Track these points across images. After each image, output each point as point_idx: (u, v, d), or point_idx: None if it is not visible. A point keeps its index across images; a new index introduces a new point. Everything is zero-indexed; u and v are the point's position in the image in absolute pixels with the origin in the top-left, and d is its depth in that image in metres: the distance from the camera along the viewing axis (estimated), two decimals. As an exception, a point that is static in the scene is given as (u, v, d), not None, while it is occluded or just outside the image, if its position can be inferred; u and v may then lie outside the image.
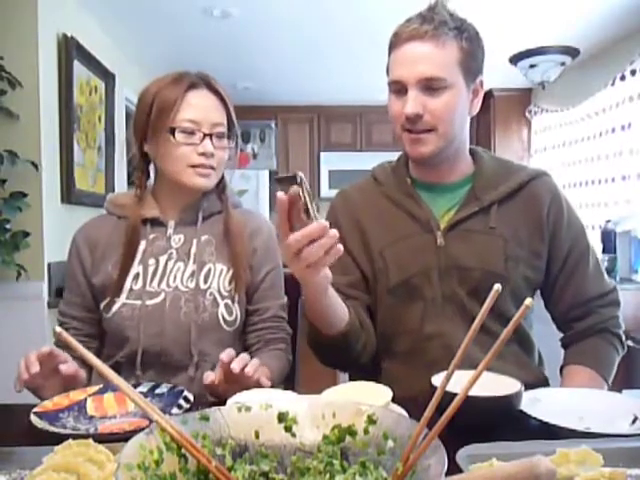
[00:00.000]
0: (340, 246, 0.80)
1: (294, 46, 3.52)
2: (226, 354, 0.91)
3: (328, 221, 1.19)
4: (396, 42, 1.04)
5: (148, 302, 1.11)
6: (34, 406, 0.87)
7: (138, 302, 1.11)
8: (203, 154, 1.10)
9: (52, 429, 0.80)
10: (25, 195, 2.23)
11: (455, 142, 1.08)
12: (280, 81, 4.29)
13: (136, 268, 1.14)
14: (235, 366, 0.89)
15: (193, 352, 1.10)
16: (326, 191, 4.98)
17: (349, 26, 3.18)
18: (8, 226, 2.16)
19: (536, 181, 1.13)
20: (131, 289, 1.13)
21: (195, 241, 1.16)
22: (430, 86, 1.01)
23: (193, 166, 1.11)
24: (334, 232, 0.78)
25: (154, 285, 1.13)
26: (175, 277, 1.14)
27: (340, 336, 1.01)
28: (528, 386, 0.87)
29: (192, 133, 1.10)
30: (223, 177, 1.22)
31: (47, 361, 0.93)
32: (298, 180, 0.73)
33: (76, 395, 0.94)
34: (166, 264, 1.15)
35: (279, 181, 0.75)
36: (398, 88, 1.04)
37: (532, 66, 3.65)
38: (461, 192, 1.12)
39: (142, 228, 1.17)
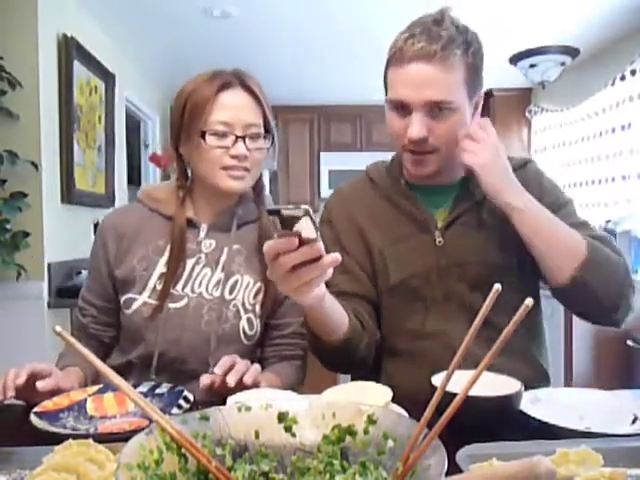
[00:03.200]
0: (330, 271, 0.75)
1: (294, 46, 3.53)
2: (220, 366, 0.92)
3: (324, 220, 1.19)
4: (400, 59, 0.98)
5: (170, 305, 1.09)
6: (34, 406, 0.87)
7: (163, 304, 1.09)
8: (236, 157, 1.07)
9: (52, 429, 0.80)
10: (25, 195, 2.23)
11: (455, 157, 1.06)
12: (280, 81, 4.29)
13: (162, 268, 1.11)
14: (230, 380, 0.90)
15: (210, 362, 1.07)
16: (326, 191, 4.97)
17: (349, 26, 3.18)
18: (8, 226, 2.16)
19: (521, 170, 1.12)
20: (154, 288, 1.10)
21: (226, 249, 1.14)
22: (436, 109, 0.97)
23: (225, 168, 1.08)
24: (334, 256, 0.73)
25: (178, 288, 1.11)
26: (200, 283, 1.11)
27: (342, 343, 0.99)
28: (526, 379, 0.87)
29: (224, 135, 1.07)
30: (261, 179, 1.19)
31: (30, 379, 0.92)
32: (302, 213, 0.64)
33: (76, 395, 0.94)
34: (193, 268, 1.12)
35: (277, 213, 0.65)
36: (400, 106, 1.00)
37: (532, 66, 3.65)
38: (456, 188, 1.12)
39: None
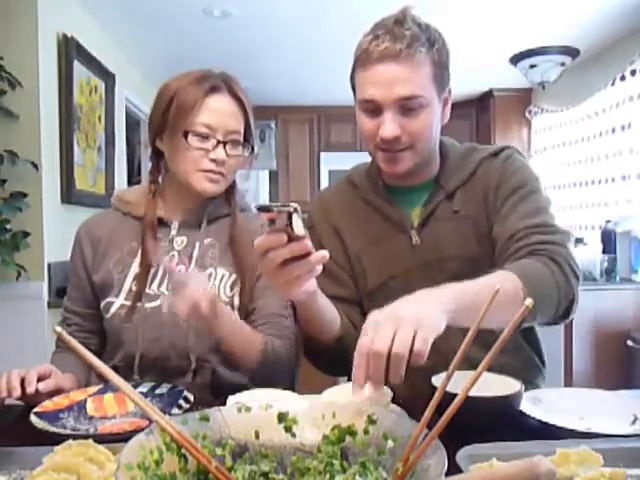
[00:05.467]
0: (319, 267, 0.78)
1: (294, 46, 3.53)
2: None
3: (306, 225, 1.19)
4: (366, 60, 0.98)
5: (147, 305, 1.10)
6: (34, 406, 0.87)
7: (137, 304, 1.09)
8: (214, 161, 1.08)
9: (52, 429, 0.80)
10: (25, 195, 2.23)
11: (429, 154, 1.08)
12: (280, 81, 4.29)
13: (136, 269, 1.12)
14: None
15: (191, 358, 1.08)
16: (326, 191, 4.97)
17: (349, 26, 3.17)
18: (8, 226, 2.15)
19: (496, 156, 1.11)
20: (130, 290, 1.11)
21: (198, 244, 1.14)
22: (407, 106, 0.98)
23: (203, 171, 1.09)
24: (322, 253, 0.76)
25: (153, 288, 1.11)
26: None
27: (336, 341, 1.00)
28: (519, 373, 0.87)
29: (206, 138, 1.08)
30: (234, 183, 1.20)
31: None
32: (292, 210, 0.69)
33: (76, 395, 0.94)
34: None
35: (266, 210, 0.70)
36: (371, 107, 1.00)
37: (532, 66, 3.65)
38: (431, 185, 1.11)
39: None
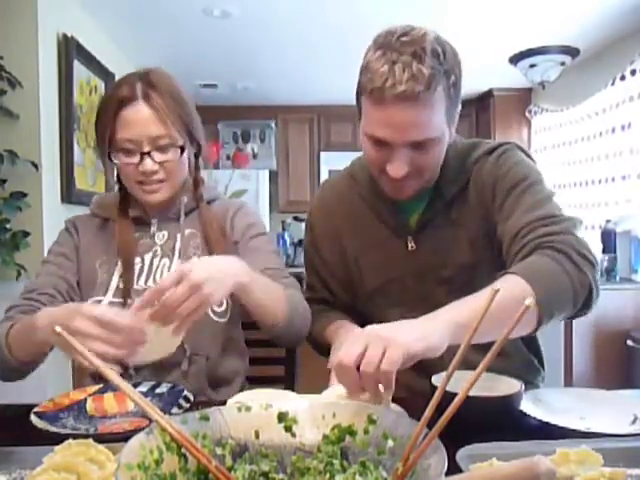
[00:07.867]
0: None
1: (294, 46, 3.52)
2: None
3: (307, 221, 1.23)
4: (380, 99, 0.91)
5: (136, 300, 1.10)
6: (34, 406, 0.87)
7: (128, 302, 1.09)
8: (144, 173, 1.08)
9: (52, 429, 0.80)
10: (25, 195, 2.23)
11: (434, 176, 1.06)
12: (280, 81, 4.29)
13: (122, 267, 1.13)
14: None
15: (186, 347, 1.09)
16: (326, 191, 4.97)
17: (349, 26, 3.18)
18: (8, 226, 2.15)
19: (490, 154, 1.07)
20: (117, 287, 1.11)
21: (179, 236, 1.15)
22: (418, 145, 0.94)
23: (139, 183, 1.09)
24: None
25: (140, 284, 1.12)
26: (162, 273, 1.13)
27: None
28: (517, 374, 0.87)
29: (131, 152, 1.07)
30: (197, 177, 1.20)
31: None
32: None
33: (76, 395, 0.94)
34: (151, 262, 1.14)
35: None
36: (380, 142, 0.96)
37: (532, 66, 3.65)
38: (431, 191, 1.09)
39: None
